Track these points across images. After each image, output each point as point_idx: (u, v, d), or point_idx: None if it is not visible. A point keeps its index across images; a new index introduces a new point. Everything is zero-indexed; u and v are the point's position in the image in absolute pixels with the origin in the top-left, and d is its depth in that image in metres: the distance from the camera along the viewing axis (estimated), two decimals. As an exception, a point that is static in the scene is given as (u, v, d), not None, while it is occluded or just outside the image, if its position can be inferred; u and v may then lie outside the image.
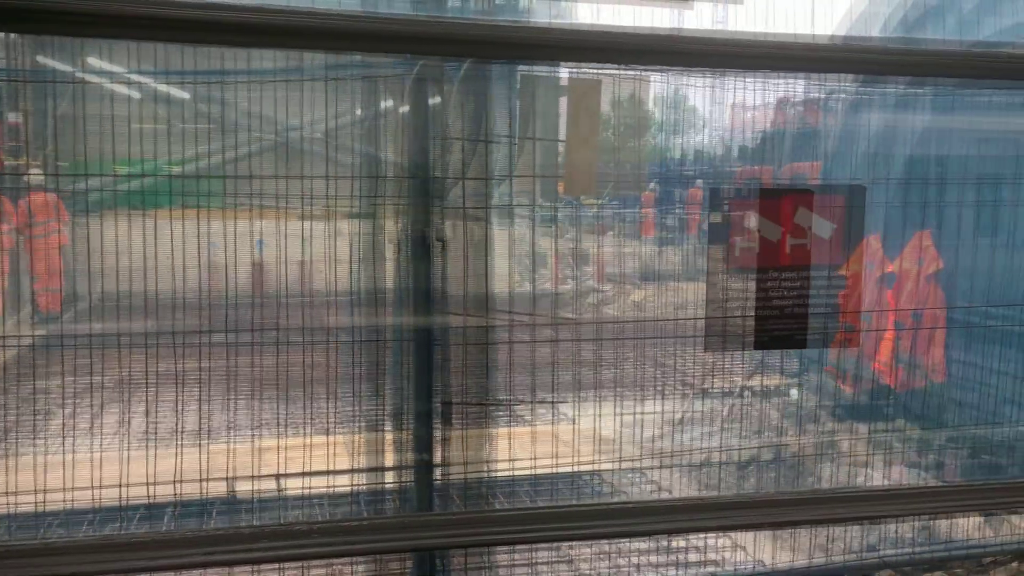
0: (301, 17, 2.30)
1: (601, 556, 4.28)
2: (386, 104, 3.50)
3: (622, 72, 3.51)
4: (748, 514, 3.01)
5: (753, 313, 3.05)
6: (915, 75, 3.83)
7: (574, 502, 4.08)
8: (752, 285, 3.03)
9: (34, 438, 3.72)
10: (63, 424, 3.76)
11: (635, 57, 2.75)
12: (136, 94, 3.53)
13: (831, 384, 5.53)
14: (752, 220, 3.04)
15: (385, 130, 3.51)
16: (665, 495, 4.80)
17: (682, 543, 4.69)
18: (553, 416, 4.79)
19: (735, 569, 4.62)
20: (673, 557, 4.62)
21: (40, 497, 3.39)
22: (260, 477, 3.62)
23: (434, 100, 3.32)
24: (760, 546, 4.62)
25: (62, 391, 3.57)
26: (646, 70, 3.96)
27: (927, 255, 5.51)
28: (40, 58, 3.49)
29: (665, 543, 4.62)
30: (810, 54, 2.93)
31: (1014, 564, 4.34)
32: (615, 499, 4.44)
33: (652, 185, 5.89)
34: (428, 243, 3.27)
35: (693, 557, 4.69)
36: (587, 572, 4.28)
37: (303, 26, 2.31)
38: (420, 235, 3.32)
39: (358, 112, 3.58)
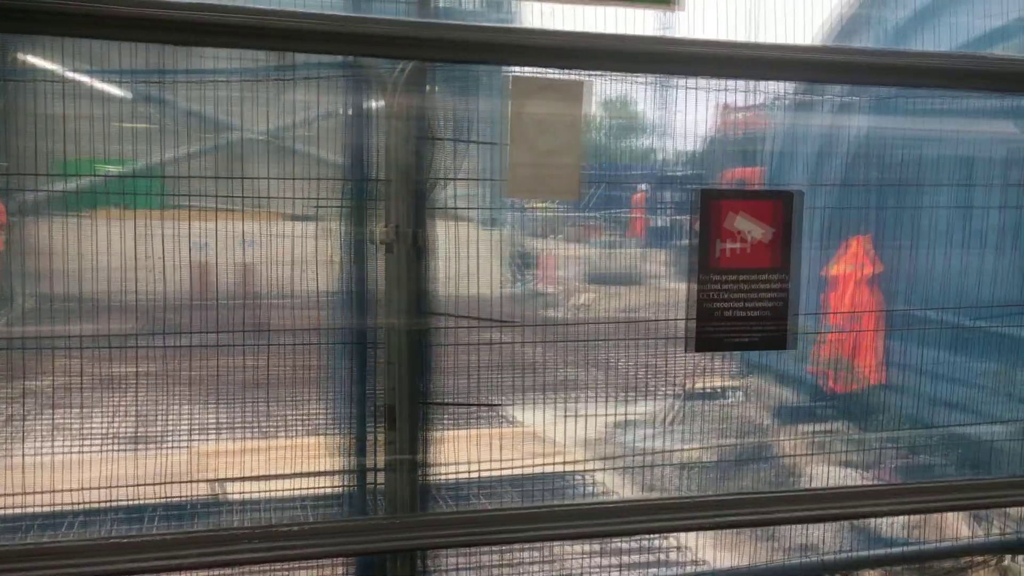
0: (281, 18, 2.28)
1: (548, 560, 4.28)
2: (332, 105, 3.48)
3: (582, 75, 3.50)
4: (728, 513, 3.05)
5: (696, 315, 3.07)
6: (898, 84, 3.85)
7: (521, 504, 4.07)
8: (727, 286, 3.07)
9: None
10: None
11: (613, 63, 2.76)
12: (77, 92, 3.47)
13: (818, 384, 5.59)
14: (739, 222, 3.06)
15: (331, 131, 3.48)
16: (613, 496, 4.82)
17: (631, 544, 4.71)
18: (498, 418, 4.79)
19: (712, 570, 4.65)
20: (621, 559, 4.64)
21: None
22: (199, 481, 3.58)
23: (379, 102, 3.30)
24: (746, 545, 4.66)
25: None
26: (623, 76, 3.94)
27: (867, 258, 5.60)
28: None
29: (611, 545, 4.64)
30: (792, 59, 2.94)
31: (992, 562, 4.41)
32: (565, 501, 4.44)
33: (643, 186, 5.85)
34: (374, 245, 3.25)
35: (643, 558, 4.71)
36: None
37: (281, 27, 2.29)
38: (365, 237, 3.30)
39: (304, 113, 3.55)
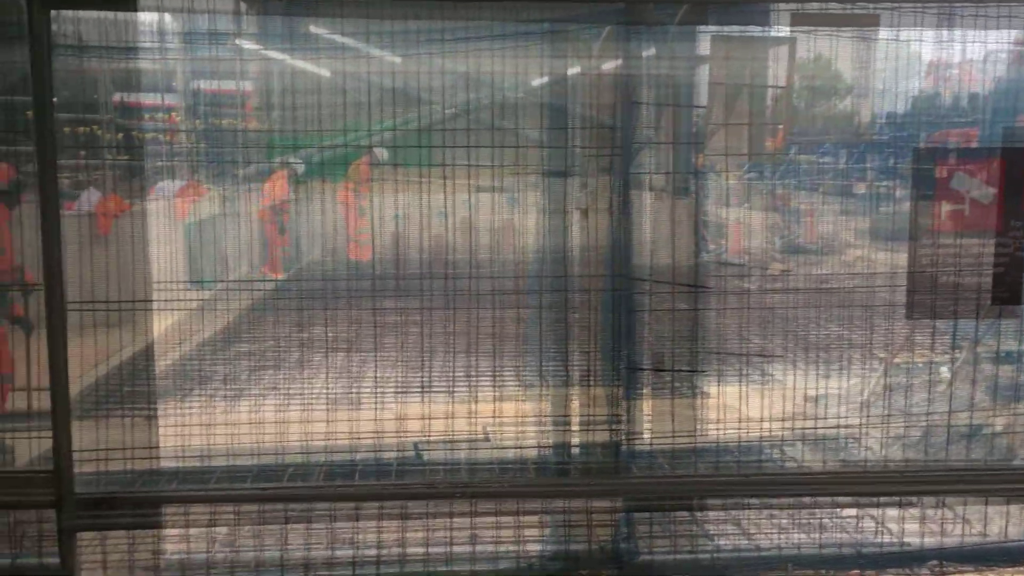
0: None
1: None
2: (573, 68, 3.44)
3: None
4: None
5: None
6: None
7: (770, 468, 3.97)
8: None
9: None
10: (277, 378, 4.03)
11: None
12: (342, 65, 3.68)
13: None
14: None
15: (573, 95, 3.47)
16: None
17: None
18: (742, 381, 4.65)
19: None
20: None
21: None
22: (433, 439, 3.70)
23: (619, 63, 3.26)
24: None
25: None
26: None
27: None
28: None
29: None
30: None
31: None
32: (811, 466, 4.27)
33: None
34: (611, 210, 3.26)
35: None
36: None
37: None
38: (603, 203, 3.32)
39: (544, 77, 3.53)
